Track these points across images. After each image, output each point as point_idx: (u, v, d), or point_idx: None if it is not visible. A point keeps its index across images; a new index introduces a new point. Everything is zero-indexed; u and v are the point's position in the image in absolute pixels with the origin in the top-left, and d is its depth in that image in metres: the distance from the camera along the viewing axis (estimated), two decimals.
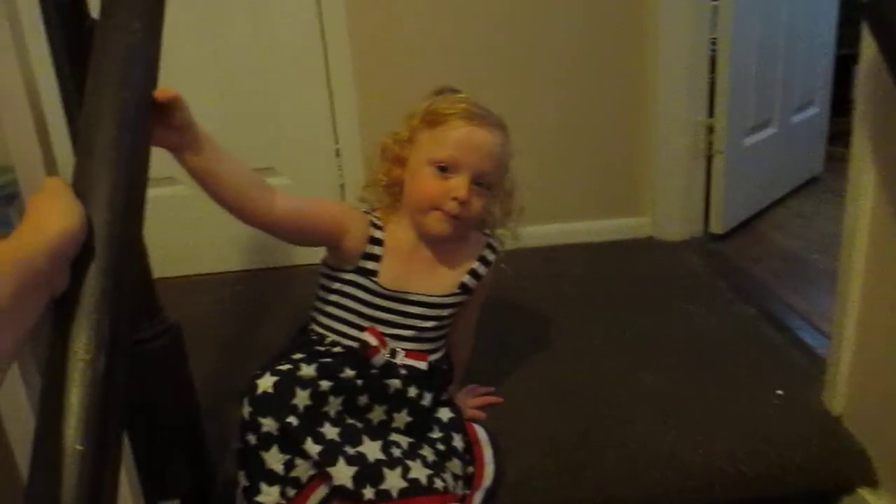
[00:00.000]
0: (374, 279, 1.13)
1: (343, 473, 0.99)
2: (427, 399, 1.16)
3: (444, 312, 1.19)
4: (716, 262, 2.13)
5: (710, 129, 2.23)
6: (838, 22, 2.82)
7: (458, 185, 1.08)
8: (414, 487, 1.01)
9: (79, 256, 0.60)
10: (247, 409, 1.01)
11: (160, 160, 0.80)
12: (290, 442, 1.00)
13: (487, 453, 1.18)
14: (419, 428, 1.15)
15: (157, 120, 0.81)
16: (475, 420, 1.29)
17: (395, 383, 1.12)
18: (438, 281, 1.18)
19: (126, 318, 0.63)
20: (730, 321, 1.72)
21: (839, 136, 2.98)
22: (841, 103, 3.02)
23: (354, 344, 1.13)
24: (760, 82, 2.38)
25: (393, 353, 1.14)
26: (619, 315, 1.78)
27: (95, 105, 0.70)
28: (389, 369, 1.13)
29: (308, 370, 1.05)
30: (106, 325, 0.59)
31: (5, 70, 0.72)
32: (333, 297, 1.15)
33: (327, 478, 1.01)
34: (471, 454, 1.18)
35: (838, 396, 1.29)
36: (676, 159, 2.24)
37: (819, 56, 2.81)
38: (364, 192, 1.21)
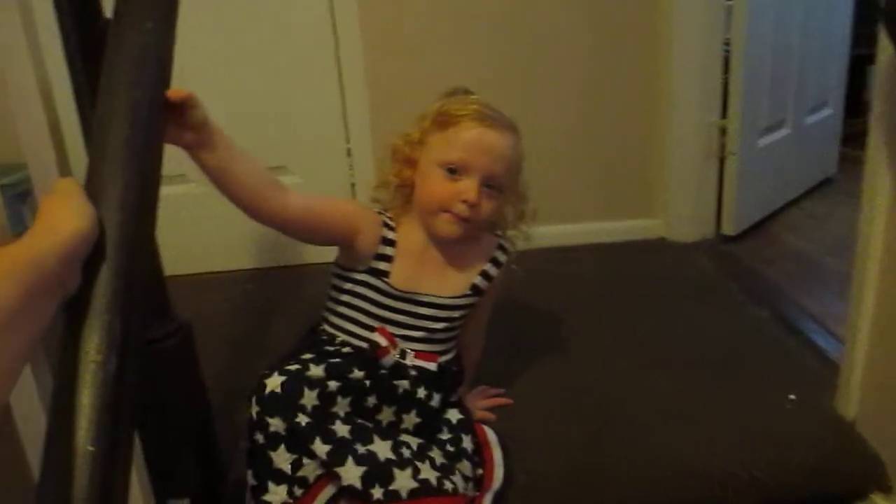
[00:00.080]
0: (386, 280, 1.13)
1: (352, 473, 0.98)
2: (436, 400, 1.16)
3: (455, 314, 1.18)
4: (728, 264, 2.12)
5: (723, 131, 2.22)
6: (853, 22, 2.79)
7: (468, 187, 1.08)
8: (424, 488, 1.01)
9: (90, 257, 0.60)
10: (255, 409, 1.01)
11: (171, 158, 0.80)
12: (297, 441, 1.00)
13: (497, 455, 1.18)
14: (428, 429, 1.15)
15: (171, 119, 0.81)
16: (485, 422, 1.28)
17: (404, 384, 1.12)
18: (450, 282, 1.17)
19: (138, 319, 0.63)
20: (742, 323, 1.71)
21: (853, 137, 2.96)
22: (854, 104, 3.00)
23: (364, 344, 1.13)
24: (774, 83, 2.36)
25: (403, 353, 1.14)
26: (631, 316, 1.77)
27: (108, 105, 0.70)
28: (399, 370, 1.12)
29: (316, 370, 1.05)
30: (117, 326, 0.59)
31: (19, 69, 0.72)
32: (345, 298, 1.15)
33: (335, 477, 1.00)
34: (480, 456, 1.18)
35: (851, 401, 1.28)
36: (689, 160, 2.23)
37: (833, 56, 2.79)
38: (375, 193, 1.20)
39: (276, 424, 0.99)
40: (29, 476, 0.67)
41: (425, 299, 1.15)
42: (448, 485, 1.04)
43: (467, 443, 1.16)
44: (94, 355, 0.57)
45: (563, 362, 1.55)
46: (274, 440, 1.00)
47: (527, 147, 1.16)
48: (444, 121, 1.11)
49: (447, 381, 1.20)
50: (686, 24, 2.11)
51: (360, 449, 1.01)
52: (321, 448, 0.99)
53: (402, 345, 1.14)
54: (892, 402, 1.20)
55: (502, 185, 1.12)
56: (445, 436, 1.16)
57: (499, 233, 1.23)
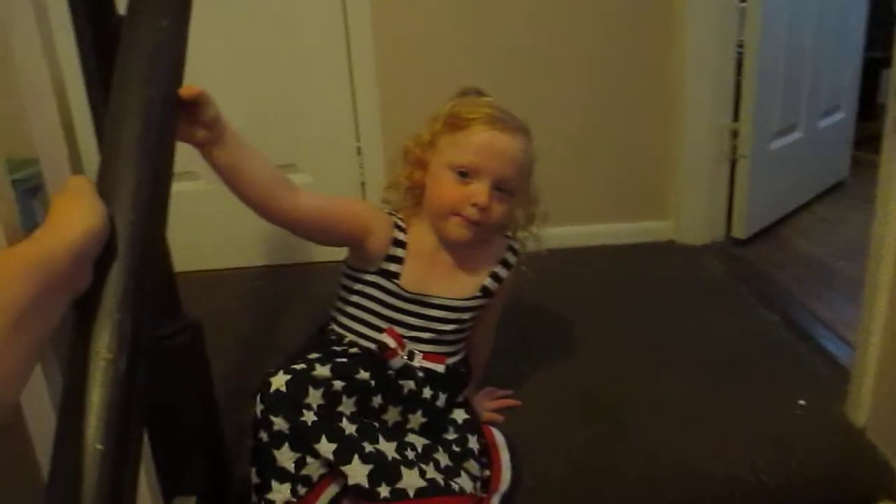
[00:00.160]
0: (396, 282, 1.12)
1: (358, 471, 0.98)
2: (441, 400, 1.16)
3: (465, 316, 1.18)
4: (738, 268, 2.11)
5: (735, 133, 2.20)
6: (867, 25, 2.78)
7: (479, 190, 1.07)
8: (432, 487, 1.01)
9: (101, 256, 0.60)
10: (259, 407, 1.01)
11: (181, 155, 0.80)
12: (301, 440, 0.99)
13: (504, 457, 1.18)
14: (434, 429, 1.15)
15: (184, 116, 0.81)
16: (492, 423, 1.28)
17: (410, 384, 1.12)
18: (460, 284, 1.17)
19: (148, 318, 0.63)
20: (752, 328, 1.71)
21: (865, 140, 2.95)
22: (867, 107, 2.98)
23: (372, 345, 1.12)
24: (787, 86, 2.35)
25: (411, 355, 1.13)
26: (640, 319, 1.77)
27: (121, 102, 0.69)
28: (406, 371, 1.12)
29: (322, 370, 1.04)
30: (128, 324, 0.59)
31: (33, 65, 0.72)
32: (354, 298, 1.15)
33: (338, 477, 1.00)
34: (488, 457, 1.17)
35: (862, 407, 1.27)
36: (700, 163, 2.22)
37: (847, 59, 2.77)
38: (386, 194, 1.20)
39: (279, 423, 0.99)
40: (39, 474, 0.67)
41: (435, 301, 1.14)
42: (455, 485, 1.04)
43: (473, 443, 1.15)
44: (104, 354, 0.57)
45: (571, 364, 1.55)
46: (278, 439, 1.00)
47: (538, 148, 1.15)
48: (454, 123, 1.10)
49: (454, 381, 1.20)
50: (699, 25, 2.11)
51: (367, 447, 1.01)
52: (327, 447, 0.98)
53: (411, 346, 1.14)
54: None
55: (513, 188, 1.11)
56: (451, 436, 1.15)
57: (509, 234, 1.22)
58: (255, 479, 1.04)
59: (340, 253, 1.18)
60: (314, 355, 1.08)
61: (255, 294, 2.04)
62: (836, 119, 2.78)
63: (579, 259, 2.17)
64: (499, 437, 1.22)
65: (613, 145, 2.25)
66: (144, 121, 0.69)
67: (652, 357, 1.57)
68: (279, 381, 1.00)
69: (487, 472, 1.15)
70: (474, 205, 1.07)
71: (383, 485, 0.98)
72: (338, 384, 1.04)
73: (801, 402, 1.36)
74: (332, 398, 1.03)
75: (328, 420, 1.01)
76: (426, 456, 1.07)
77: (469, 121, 1.08)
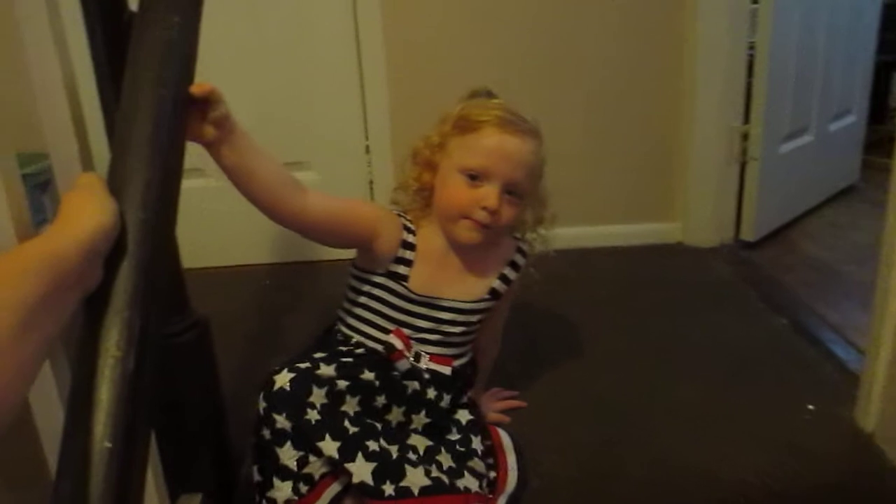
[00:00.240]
0: (405, 284, 1.12)
1: (362, 469, 0.98)
2: (446, 401, 1.15)
3: (473, 318, 1.18)
4: (746, 271, 2.10)
5: (745, 136, 2.20)
6: (879, 27, 2.76)
7: (489, 194, 1.06)
8: (436, 486, 1.01)
9: (111, 253, 0.60)
10: (262, 405, 1.00)
11: (190, 152, 0.80)
12: (304, 439, 0.99)
13: (511, 459, 1.17)
14: (437, 429, 1.14)
15: (194, 114, 0.81)
16: (499, 424, 1.28)
17: (414, 385, 1.12)
18: (468, 287, 1.16)
19: (157, 315, 0.63)
20: (760, 332, 1.70)
21: (876, 144, 2.94)
22: (878, 111, 2.96)
23: (379, 346, 1.12)
24: (798, 89, 2.34)
25: (417, 356, 1.13)
26: (648, 321, 1.76)
27: (132, 100, 0.69)
28: (411, 372, 1.12)
29: (327, 369, 1.04)
30: (137, 322, 0.59)
31: (44, 60, 0.72)
32: (362, 299, 1.14)
33: (340, 475, 1.00)
34: (494, 458, 1.17)
35: (871, 413, 1.27)
36: (710, 165, 2.22)
37: (859, 62, 2.75)
38: (395, 195, 1.19)
39: (282, 421, 0.98)
40: (47, 472, 0.67)
41: (444, 304, 1.14)
42: (460, 485, 1.04)
43: (477, 444, 1.15)
44: (113, 351, 0.57)
45: (579, 366, 1.55)
46: (280, 437, 0.99)
47: (547, 149, 1.14)
48: (464, 125, 1.09)
49: (459, 382, 1.19)
50: (710, 26, 2.10)
51: (371, 445, 1.01)
52: (331, 445, 0.98)
53: (417, 347, 1.13)
54: None
55: (523, 191, 1.10)
56: (455, 436, 1.15)
57: (518, 236, 1.21)
58: (256, 477, 1.04)
59: (349, 251, 1.18)
60: (319, 354, 1.08)
61: (263, 292, 2.05)
62: (847, 122, 2.77)
63: (587, 260, 2.16)
64: (505, 439, 1.21)
65: (623, 146, 2.24)
66: (155, 118, 0.69)
67: (659, 360, 1.56)
68: (283, 379, 1.00)
69: (493, 474, 1.14)
70: (484, 208, 1.06)
71: (388, 483, 0.98)
72: (342, 383, 1.04)
73: (810, 406, 1.35)
74: (335, 397, 1.02)
75: (332, 419, 1.00)
76: (429, 458, 1.06)
77: (479, 123, 1.07)
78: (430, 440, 1.11)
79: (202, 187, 1.93)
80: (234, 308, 1.88)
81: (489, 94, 1.17)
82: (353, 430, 1.01)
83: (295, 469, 1.00)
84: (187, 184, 0.74)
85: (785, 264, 2.16)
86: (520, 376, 1.46)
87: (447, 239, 1.13)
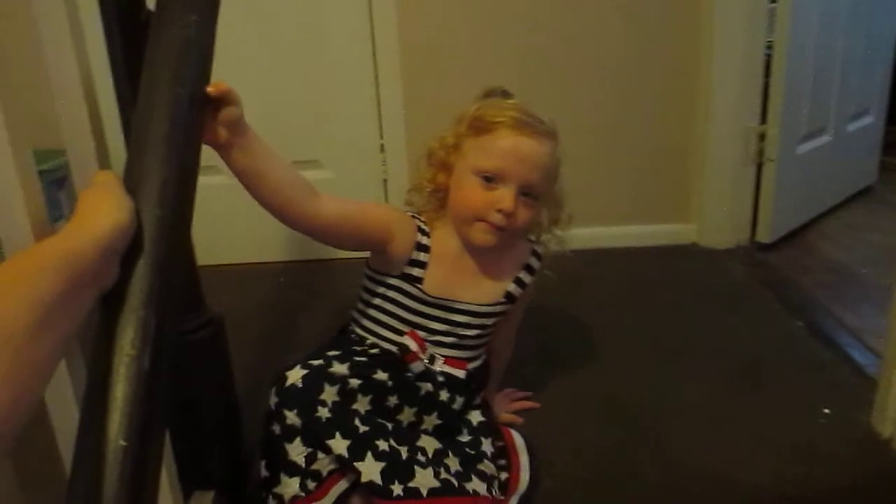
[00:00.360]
0: (419, 286, 1.11)
1: (371, 469, 0.98)
2: (458, 403, 1.15)
3: (489, 321, 1.17)
4: (762, 272, 2.09)
5: (762, 136, 2.18)
6: None
7: (504, 196, 1.05)
8: (445, 487, 1.00)
9: (128, 251, 0.60)
10: (273, 400, 1.01)
11: (207, 149, 0.80)
12: (314, 436, 0.99)
13: (523, 460, 1.17)
14: (447, 430, 1.14)
15: (209, 114, 0.80)
16: (512, 425, 1.28)
17: (427, 386, 1.11)
18: (484, 290, 1.16)
19: (172, 314, 0.63)
20: (776, 334, 1.69)
21: (894, 145, 2.91)
22: None
23: (394, 348, 1.11)
24: (816, 89, 2.31)
25: (432, 359, 1.12)
26: (662, 323, 1.76)
27: (149, 98, 0.69)
28: (425, 374, 1.11)
29: (340, 368, 1.04)
30: (153, 321, 0.59)
31: (62, 59, 0.72)
32: (376, 301, 1.14)
33: (348, 473, 1.00)
34: (507, 459, 1.17)
35: (888, 418, 1.25)
36: (726, 165, 2.20)
37: (877, 62, 2.72)
38: (409, 196, 1.18)
39: (292, 417, 0.99)
40: (62, 469, 0.67)
41: (459, 306, 1.13)
42: (468, 487, 1.03)
43: (487, 446, 1.14)
44: (128, 350, 0.57)
45: (592, 367, 1.54)
46: (290, 432, 0.99)
47: (562, 148, 1.13)
48: (479, 126, 1.08)
49: (472, 385, 1.19)
50: (727, 25, 2.08)
51: (381, 445, 1.01)
52: (341, 443, 0.98)
53: (432, 350, 1.13)
54: None
55: (539, 193, 1.09)
56: (465, 438, 1.15)
57: (532, 238, 1.21)
58: (263, 472, 1.04)
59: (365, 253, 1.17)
60: (333, 352, 1.08)
61: (278, 289, 2.05)
62: (865, 123, 2.74)
63: (601, 261, 2.15)
64: (518, 440, 1.21)
65: (638, 146, 2.23)
66: (172, 116, 0.69)
67: (673, 362, 1.56)
68: (295, 375, 1.00)
69: (505, 475, 1.14)
70: (500, 211, 1.05)
71: (396, 483, 0.98)
72: (354, 382, 1.04)
73: (826, 410, 1.34)
74: (347, 396, 1.03)
75: (342, 417, 1.00)
76: (437, 460, 1.06)
77: (494, 125, 1.06)
78: (440, 442, 1.10)
79: (218, 184, 1.92)
80: (248, 305, 1.89)
81: (504, 94, 1.16)
82: (363, 428, 1.01)
83: (303, 466, 1.00)
84: (203, 181, 0.74)
85: (801, 266, 2.14)
86: (533, 377, 1.46)
87: (462, 241, 1.13)
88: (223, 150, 0.86)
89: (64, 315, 0.52)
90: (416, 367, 1.10)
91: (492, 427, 1.19)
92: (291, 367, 1.02)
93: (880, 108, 2.82)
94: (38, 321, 0.49)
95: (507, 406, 1.35)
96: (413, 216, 1.14)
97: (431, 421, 1.13)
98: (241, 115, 0.84)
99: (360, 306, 1.17)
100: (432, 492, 0.99)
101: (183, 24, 0.74)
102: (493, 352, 1.26)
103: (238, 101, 0.83)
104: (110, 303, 0.59)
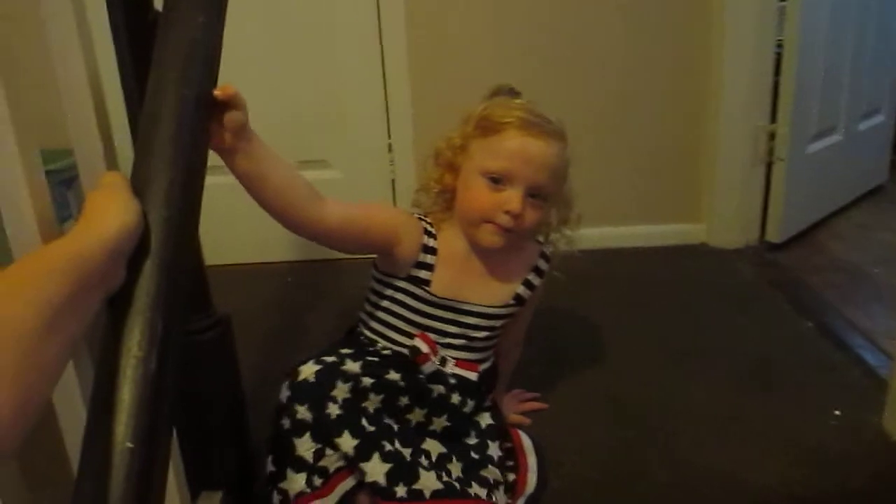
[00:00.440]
0: (427, 288, 1.10)
1: (377, 470, 0.98)
2: (469, 406, 1.14)
3: (498, 323, 1.16)
4: (772, 273, 2.07)
5: (772, 135, 2.16)
6: None
7: (511, 198, 1.03)
8: (448, 490, 1.00)
9: (135, 253, 0.60)
10: (285, 394, 1.01)
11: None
12: (323, 432, 0.99)
13: (531, 461, 1.17)
14: (455, 433, 1.13)
15: (215, 118, 0.79)
16: (520, 426, 1.27)
17: (440, 389, 1.11)
18: (492, 291, 1.15)
19: (179, 315, 0.63)
20: (786, 335, 1.68)
21: None
22: None
23: (405, 350, 1.11)
24: (826, 87, 2.30)
25: (443, 361, 1.12)
26: (671, 324, 1.75)
27: (156, 99, 0.69)
28: (437, 376, 1.11)
29: (352, 366, 1.04)
30: (159, 322, 0.59)
31: (70, 60, 0.72)
32: (385, 303, 1.13)
33: (355, 470, 1.00)
34: (514, 460, 1.16)
35: None
36: (735, 165, 2.19)
37: (888, 60, 2.70)
38: (417, 197, 1.18)
39: (303, 412, 0.99)
40: (69, 470, 0.67)
41: (467, 307, 1.13)
42: (471, 491, 1.03)
43: (494, 449, 1.13)
44: (135, 351, 0.57)
45: (601, 368, 1.53)
46: (300, 428, 0.99)
47: (570, 148, 1.12)
48: (486, 127, 1.07)
49: (483, 387, 1.18)
50: (737, 23, 2.07)
51: (388, 446, 1.01)
52: (349, 442, 0.98)
53: (443, 352, 1.13)
54: None
55: (547, 194, 1.08)
56: (472, 440, 1.14)
57: (541, 240, 1.20)
58: (270, 468, 1.04)
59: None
60: (346, 350, 1.08)
61: (285, 289, 2.05)
62: (875, 122, 2.72)
63: (610, 261, 2.14)
64: (526, 441, 1.20)
65: (647, 146, 2.22)
66: (179, 118, 0.68)
67: (682, 362, 1.55)
68: (308, 370, 1.00)
69: (513, 476, 1.14)
70: (507, 212, 1.04)
71: (401, 484, 0.98)
72: (367, 380, 1.04)
73: (837, 412, 1.33)
74: (358, 394, 1.02)
75: (352, 415, 1.00)
76: (440, 464, 1.05)
77: (501, 125, 1.05)
78: (444, 446, 1.09)
79: (225, 184, 1.93)
80: (255, 305, 1.89)
81: (512, 92, 1.15)
82: (370, 429, 1.01)
83: (311, 461, 1.00)
84: (210, 181, 0.74)
85: (812, 266, 2.13)
86: (541, 377, 1.45)
87: (469, 242, 1.12)
88: (227, 154, 0.85)
89: (71, 317, 0.52)
90: (428, 368, 1.09)
91: (500, 430, 1.19)
92: (305, 362, 1.02)
93: (891, 107, 2.80)
94: (45, 323, 0.49)
95: (516, 407, 1.35)
96: (420, 218, 1.13)
97: (440, 423, 1.12)
98: (246, 120, 0.83)
99: (369, 308, 1.17)
100: (435, 494, 0.99)
101: (190, 24, 0.74)
102: (501, 353, 1.25)
103: (243, 105, 0.82)
104: (117, 304, 0.59)
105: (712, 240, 2.28)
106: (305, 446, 1.00)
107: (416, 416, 1.10)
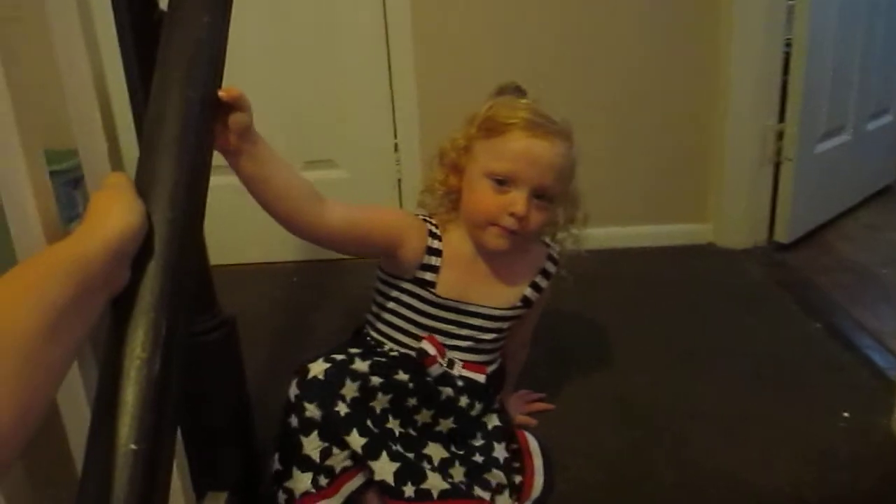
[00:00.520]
0: (432, 290, 1.10)
1: (385, 468, 0.98)
2: (477, 409, 1.14)
3: (505, 325, 1.16)
4: (780, 273, 2.06)
5: (780, 135, 2.15)
6: None
7: (516, 200, 1.03)
8: (455, 490, 1.00)
9: (139, 254, 0.60)
10: (294, 392, 1.00)
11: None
12: (331, 430, 0.99)
13: (537, 463, 1.16)
14: (462, 434, 1.13)
15: (220, 119, 0.79)
16: (526, 427, 1.27)
17: (448, 391, 1.10)
18: (499, 293, 1.14)
19: (184, 317, 0.63)
20: (794, 335, 1.67)
21: None
22: None
23: (412, 352, 1.11)
24: (835, 87, 2.28)
25: (451, 363, 1.12)
26: (678, 324, 1.74)
27: (161, 100, 0.69)
28: (445, 378, 1.10)
29: (361, 365, 1.04)
30: (163, 323, 0.59)
31: (74, 60, 0.72)
32: (391, 305, 1.13)
33: (361, 470, 1.00)
34: (521, 462, 1.16)
35: None
36: (743, 165, 2.18)
37: None
38: (422, 198, 1.17)
39: (312, 410, 0.98)
40: (73, 471, 0.67)
41: (473, 309, 1.12)
42: (478, 492, 1.03)
43: (499, 451, 1.13)
44: (139, 353, 0.57)
45: (607, 369, 1.53)
46: (308, 426, 0.99)
47: (577, 147, 1.11)
48: (490, 128, 1.06)
49: (491, 389, 1.18)
50: (746, 22, 2.06)
51: (395, 445, 1.01)
52: (358, 440, 0.98)
53: (450, 354, 1.12)
54: None
55: (553, 195, 1.07)
56: (478, 442, 1.13)
57: (549, 242, 1.19)
58: (276, 466, 1.04)
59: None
60: (355, 350, 1.07)
61: (291, 289, 2.05)
62: (884, 121, 2.70)
63: (617, 261, 2.13)
64: (532, 443, 1.20)
65: (654, 145, 2.21)
66: (183, 118, 0.68)
67: (689, 362, 1.54)
68: (318, 368, 1.00)
69: (519, 478, 1.13)
70: (512, 214, 1.03)
71: (409, 484, 0.98)
72: (375, 380, 1.03)
73: (845, 414, 1.32)
74: (367, 393, 1.02)
75: (360, 414, 1.00)
76: (442, 469, 1.05)
77: (505, 126, 1.04)
78: (447, 451, 1.09)
79: (230, 184, 1.93)
80: (261, 305, 1.89)
81: (518, 91, 1.14)
82: (374, 430, 1.00)
83: (317, 460, 1.00)
84: (215, 181, 0.74)
85: (820, 266, 2.12)
86: (547, 378, 1.45)
87: (474, 244, 1.11)
88: (232, 156, 0.85)
89: (75, 319, 0.52)
90: (435, 370, 1.09)
91: (507, 431, 1.18)
92: (313, 360, 1.02)
93: None
94: (49, 326, 0.49)
95: (522, 407, 1.34)
96: (424, 219, 1.12)
97: (447, 424, 1.12)
98: (251, 122, 0.83)
99: (375, 309, 1.17)
100: (443, 494, 0.99)
101: (195, 24, 0.74)
102: (508, 354, 1.25)
103: (248, 107, 0.82)
104: (121, 305, 0.59)
105: (720, 240, 2.27)
106: (312, 445, 0.99)
107: (423, 416, 1.10)
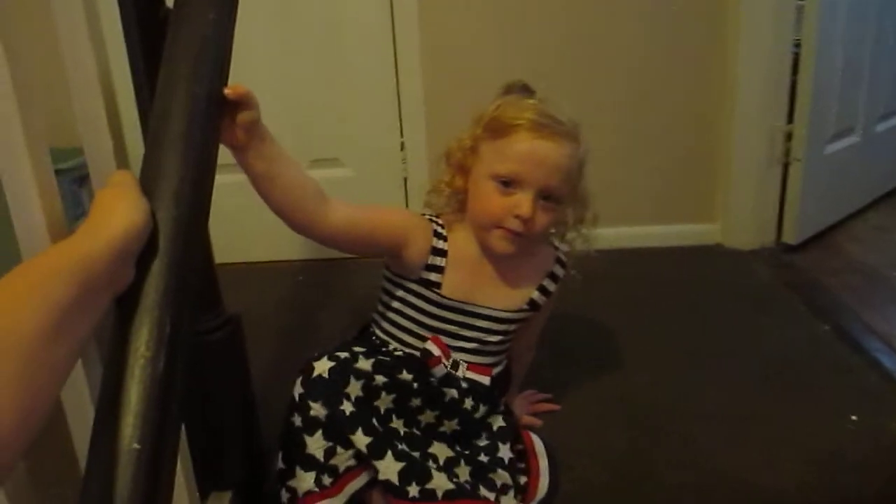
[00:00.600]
0: (437, 291, 1.09)
1: (390, 468, 0.97)
2: (482, 411, 1.13)
3: (511, 327, 1.15)
4: (788, 274, 2.05)
5: (789, 136, 2.14)
6: None
7: (521, 201, 1.02)
8: (459, 490, 1.00)
9: (143, 252, 0.59)
10: (298, 390, 1.00)
11: (223, 147, 0.79)
12: (336, 430, 0.98)
13: (542, 464, 1.15)
14: (466, 436, 1.12)
15: (226, 116, 0.79)
16: (531, 427, 1.26)
17: (452, 392, 1.10)
18: (506, 295, 1.14)
19: (188, 315, 0.63)
20: (801, 337, 1.66)
21: None
22: None
23: (416, 353, 1.10)
24: (844, 88, 2.27)
25: (455, 365, 1.11)
26: (685, 324, 1.73)
27: (166, 97, 0.69)
28: (449, 379, 1.10)
29: (365, 363, 1.03)
30: (168, 322, 0.58)
31: (80, 57, 0.72)
32: (396, 305, 1.13)
33: (367, 469, 0.99)
34: (526, 462, 1.15)
35: None
36: (752, 165, 2.17)
37: None
38: (429, 198, 1.16)
39: (317, 409, 0.98)
40: (77, 470, 0.67)
41: (479, 311, 1.12)
42: (483, 492, 1.03)
43: (504, 452, 1.12)
44: (143, 351, 0.57)
45: (614, 369, 1.52)
46: (312, 424, 0.99)
47: (585, 147, 1.10)
48: (496, 129, 1.05)
49: (496, 391, 1.17)
50: (754, 22, 2.05)
51: (400, 445, 1.00)
52: (363, 439, 0.97)
53: (455, 355, 1.12)
54: None
55: (560, 196, 1.06)
56: (483, 442, 1.13)
57: (557, 244, 1.19)
58: (279, 465, 1.04)
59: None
60: (359, 348, 1.07)
61: (296, 287, 2.05)
62: (894, 123, 2.68)
63: (625, 261, 2.12)
64: (538, 444, 1.19)
65: (662, 145, 2.21)
66: (189, 116, 0.68)
67: (696, 363, 1.53)
68: (322, 366, 0.99)
69: (525, 479, 1.12)
70: (517, 216, 1.02)
71: (413, 484, 0.97)
72: (379, 379, 1.03)
73: (853, 416, 1.31)
74: (371, 392, 1.02)
75: (364, 413, 1.00)
76: (447, 469, 1.05)
77: (511, 127, 1.03)
78: (452, 451, 1.08)
79: (236, 182, 1.93)
80: (266, 304, 1.89)
81: (525, 89, 1.13)
82: (379, 429, 1.00)
83: (321, 459, 0.99)
84: (221, 179, 0.74)
85: (828, 268, 2.11)
86: (554, 379, 1.44)
87: (480, 246, 1.11)
88: (240, 151, 0.85)
89: (79, 319, 0.52)
90: (439, 371, 1.08)
91: (512, 432, 1.17)
92: (318, 358, 1.01)
93: None
94: (53, 326, 0.49)
95: (528, 408, 1.34)
96: (430, 219, 1.12)
97: (451, 425, 1.11)
98: (259, 118, 0.83)
99: (381, 309, 1.16)
100: (447, 494, 0.99)
101: (201, 21, 0.74)
102: (514, 357, 1.24)
103: (255, 104, 0.82)
104: (125, 304, 0.58)
105: (728, 241, 2.26)
106: (316, 444, 0.99)
107: (427, 417, 1.10)
